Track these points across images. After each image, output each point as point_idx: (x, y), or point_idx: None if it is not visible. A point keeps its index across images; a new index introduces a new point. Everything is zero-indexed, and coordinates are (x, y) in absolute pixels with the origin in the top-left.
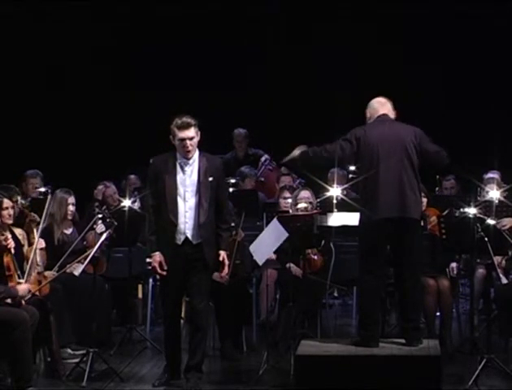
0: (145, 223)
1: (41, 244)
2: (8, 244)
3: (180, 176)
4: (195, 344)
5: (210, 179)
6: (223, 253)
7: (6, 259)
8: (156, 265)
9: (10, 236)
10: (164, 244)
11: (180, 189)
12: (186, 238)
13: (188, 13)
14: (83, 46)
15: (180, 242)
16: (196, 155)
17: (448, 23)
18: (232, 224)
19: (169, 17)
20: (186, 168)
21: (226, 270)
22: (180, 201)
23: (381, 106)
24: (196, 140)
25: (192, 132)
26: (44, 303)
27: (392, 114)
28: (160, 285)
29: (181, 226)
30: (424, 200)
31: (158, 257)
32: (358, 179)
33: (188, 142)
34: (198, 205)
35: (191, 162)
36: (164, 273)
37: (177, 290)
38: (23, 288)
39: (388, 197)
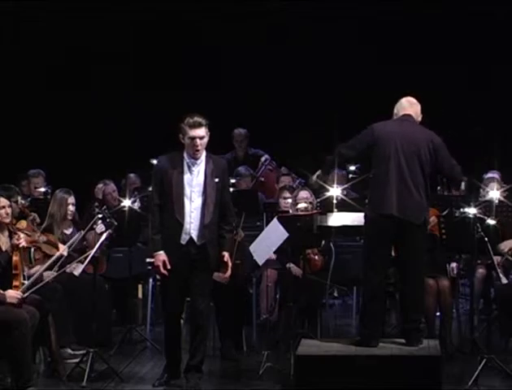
0: (146, 223)
1: (64, 251)
2: (20, 243)
3: (187, 176)
4: (196, 344)
5: (216, 180)
6: (226, 255)
7: (15, 258)
8: (160, 264)
9: (22, 235)
10: (168, 244)
11: (187, 189)
12: (190, 238)
13: (188, 12)
14: (82, 46)
15: (184, 242)
16: (203, 156)
17: (447, 22)
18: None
19: (169, 17)
20: (193, 168)
21: (229, 271)
22: (186, 201)
23: (409, 106)
24: (206, 140)
25: (203, 132)
26: (42, 303)
27: (417, 117)
28: (161, 284)
29: (186, 226)
30: None
31: (161, 256)
32: (360, 178)
33: (198, 141)
34: (204, 205)
35: (198, 162)
36: (166, 273)
37: (179, 290)
38: (11, 294)
39: (392, 194)
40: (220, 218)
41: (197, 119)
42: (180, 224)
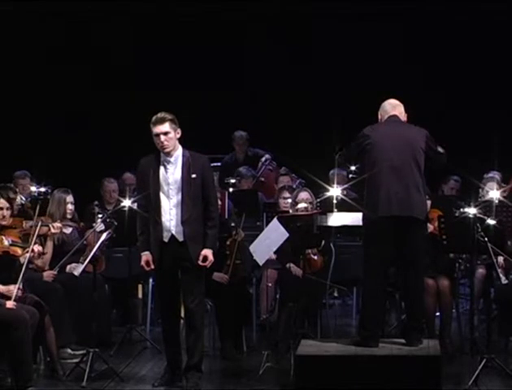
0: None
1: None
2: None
3: (163, 174)
4: (191, 344)
5: (194, 176)
6: (204, 251)
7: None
8: (143, 264)
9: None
10: (153, 243)
11: (164, 187)
12: (172, 236)
13: (188, 12)
14: (81, 45)
15: (166, 240)
16: (179, 152)
17: (446, 20)
18: (232, 224)
19: (169, 17)
20: (169, 166)
21: (206, 264)
22: (164, 198)
23: (392, 108)
24: (172, 135)
25: (166, 127)
26: (40, 304)
27: (402, 117)
28: (155, 286)
29: (166, 223)
30: (428, 202)
31: (145, 256)
32: (360, 178)
33: (162, 137)
34: (182, 202)
35: (173, 159)
36: (148, 268)
37: (171, 289)
38: (10, 303)
39: (392, 195)
40: (204, 215)
41: (159, 115)
42: (158, 222)
